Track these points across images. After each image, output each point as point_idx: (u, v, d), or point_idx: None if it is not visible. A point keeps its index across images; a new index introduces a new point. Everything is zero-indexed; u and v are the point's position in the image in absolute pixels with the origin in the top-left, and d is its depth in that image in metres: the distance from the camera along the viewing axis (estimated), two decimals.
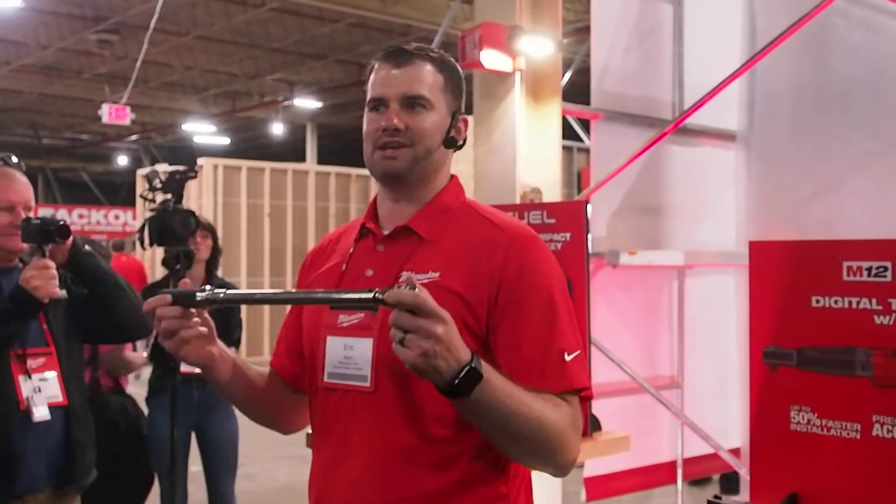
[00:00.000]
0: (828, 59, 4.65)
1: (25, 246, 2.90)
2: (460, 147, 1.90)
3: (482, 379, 1.53)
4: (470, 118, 1.97)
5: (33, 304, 2.79)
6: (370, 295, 1.52)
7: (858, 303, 2.71)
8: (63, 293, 2.96)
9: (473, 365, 1.52)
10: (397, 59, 1.82)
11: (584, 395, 1.75)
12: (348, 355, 1.76)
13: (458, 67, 1.90)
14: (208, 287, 1.69)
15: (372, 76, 1.84)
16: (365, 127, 1.83)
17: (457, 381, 1.51)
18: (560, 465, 1.71)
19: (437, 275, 1.73)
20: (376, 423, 1.73)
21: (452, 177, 1.90)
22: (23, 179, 2.95)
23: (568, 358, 1.70)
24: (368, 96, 1.83)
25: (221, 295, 1.67)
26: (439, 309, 1.50)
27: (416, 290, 1.49)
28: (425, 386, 1.61)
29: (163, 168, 6.72)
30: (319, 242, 2.04)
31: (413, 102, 1.79)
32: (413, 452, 1.71)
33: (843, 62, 4.60)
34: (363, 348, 1.75)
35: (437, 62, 1.84)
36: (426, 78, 1.81)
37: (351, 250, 1.87)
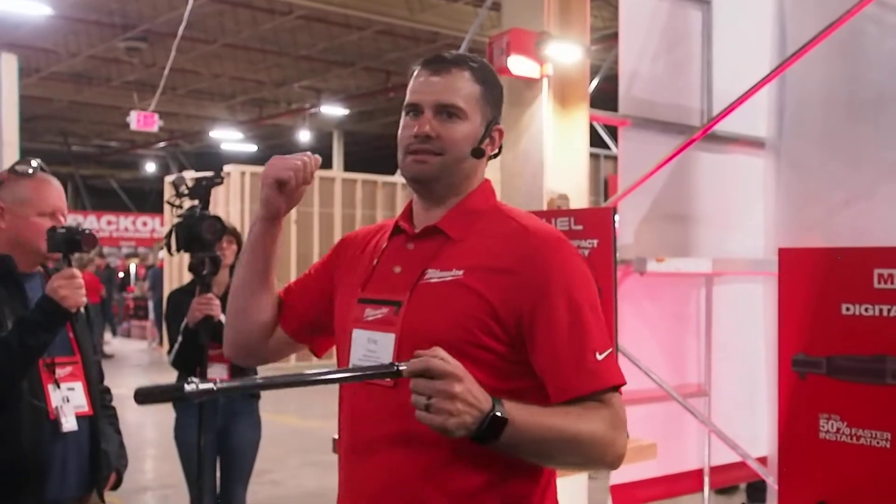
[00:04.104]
0: (859, 66, 4.61)
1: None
2: (495, 156, 1.93)
3: (507, 423, 1.59)
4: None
5: (61, 314, 2.76)
6: (392, 368, 1.59)
7: (889, 311, 2.69)
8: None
9: (496, 412, 1.58)
10: (436, 66, 1.84)
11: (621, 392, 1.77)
12: (371, 349, 1.79)
13: (497, 76, 1.92)
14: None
15: (411, 81, 1.87)
16: (399, 131, 1.86)
17: (483, 430, 1.58)
18: (609, 464, 1.75)
19: (461, 273, 1.76)
20: (396, 419, 1.74)
21: (485, 181, 1.92)
22: (59, 186, 2.98)
23: (600, 357, 1.72)
24: (406, 101, 1.86)
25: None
26: (454, 367, 1.56)
27: (434, 353, 1.56)
28: None
29: (189, 174, 6.75)
30: (357, 231, 2.07)
31: (447, 111, 1.81)
32: (432, 448, 1.71)
33: (875, 69, 4.55)
34: (387, 343, 1.78)
35: (476, 71, 1.86)
36: (463, 87, 1.83)
37: (384, 246, 1.91)
